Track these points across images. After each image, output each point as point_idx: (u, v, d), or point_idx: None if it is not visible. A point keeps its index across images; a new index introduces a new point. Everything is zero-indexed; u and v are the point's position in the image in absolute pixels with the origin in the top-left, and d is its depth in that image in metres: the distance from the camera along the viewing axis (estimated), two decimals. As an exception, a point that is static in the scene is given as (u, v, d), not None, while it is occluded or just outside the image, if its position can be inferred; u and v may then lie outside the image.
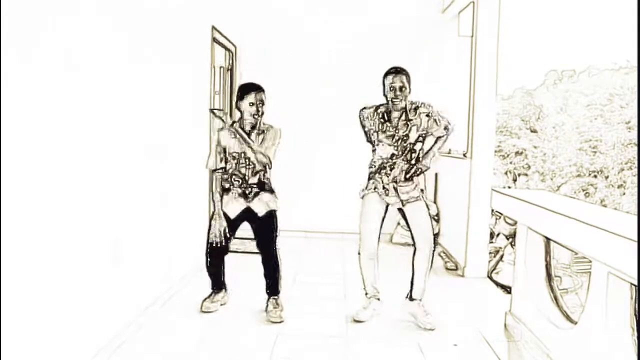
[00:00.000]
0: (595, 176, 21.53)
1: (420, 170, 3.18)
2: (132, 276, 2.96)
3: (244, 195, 3.31)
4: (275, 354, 2.79)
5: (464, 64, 4.62)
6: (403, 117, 3.13)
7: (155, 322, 3.14)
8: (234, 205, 3.33)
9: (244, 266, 3.76)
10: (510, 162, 22.89)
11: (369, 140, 3.27)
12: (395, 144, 3.14)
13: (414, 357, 2.82)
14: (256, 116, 3.23)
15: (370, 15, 5.52)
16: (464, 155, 4.56)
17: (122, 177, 2.78)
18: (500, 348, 3.00)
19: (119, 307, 2.82)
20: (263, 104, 3.25)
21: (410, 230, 3.24)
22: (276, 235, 3.38)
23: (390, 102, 3.11)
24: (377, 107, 3.20)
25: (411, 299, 3.25)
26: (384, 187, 3.19)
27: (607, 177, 21.29)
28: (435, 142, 3.19)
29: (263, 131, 3.29)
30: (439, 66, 5.42)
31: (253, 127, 3.28)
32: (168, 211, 3.51)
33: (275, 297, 3.36)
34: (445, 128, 3.15)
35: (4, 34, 1.80)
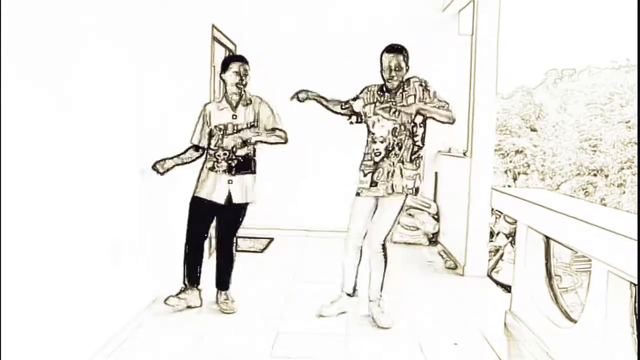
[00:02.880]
0: (595, 175, 21.54)
1: (419, 147, 3.13)
2: (131, 275, 2.95)
3: (229, 169, 3.25)
4: (275, 353, 2.79)
5: (464, 63, 4.61)
6: (400, 91, 3.12)
7: (155, 321, 3.13)
8: (215, 186, 3.26)
9: (243, 265, 3.76)
10: (510, 161, 22.90)
11: (354, 119, 3.26)
12: (394, 118, 3.10)
13: (414, 357, 2.82)
14: (239, 85, 3.25)
15: (370, 14, 5.51)
16: (464, 154, 4.56)
17: (121, 177, 2.78)
18: (500, 347, 3.00)
19: (119, 306, 2.82)
20: (247, 74, 3.27)
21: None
22: (239, 228, 3.36)
23: (385, 82, 3.13)
24: (380, 86, 3.19)
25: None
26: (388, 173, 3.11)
27: (607, 176, 21.29)
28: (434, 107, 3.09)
29: (249, 102, 3.29)
30: (439, 65, 5.40)
31: (239, 99, 3.28)
32: (168, 210, 3.50)
33: (225, 291, 3.37)
34: (442, 107, 3.06)
35: (4, 30, 1.80)
